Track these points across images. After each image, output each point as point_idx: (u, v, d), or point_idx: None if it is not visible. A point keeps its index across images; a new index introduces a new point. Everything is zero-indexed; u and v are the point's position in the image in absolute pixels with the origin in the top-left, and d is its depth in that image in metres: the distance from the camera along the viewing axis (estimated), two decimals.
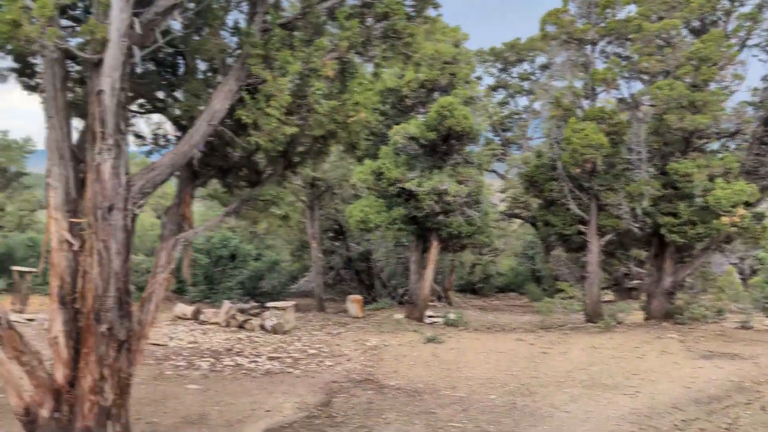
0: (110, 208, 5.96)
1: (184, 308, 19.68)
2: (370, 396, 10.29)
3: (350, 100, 7.23)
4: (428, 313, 19.79)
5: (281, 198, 8.17)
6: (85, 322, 6.03)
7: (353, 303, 21.18)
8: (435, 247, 18.14)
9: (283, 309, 18.36)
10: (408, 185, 16.23)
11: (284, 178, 8.62)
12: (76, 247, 6.08)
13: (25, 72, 7.40)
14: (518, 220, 30.40)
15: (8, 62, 7.40)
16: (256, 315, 18.76)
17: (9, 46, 6.02)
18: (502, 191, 27.54)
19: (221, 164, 8.43)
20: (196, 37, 7.24)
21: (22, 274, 20.98)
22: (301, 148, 8.64)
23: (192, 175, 8.04)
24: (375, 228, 17.21)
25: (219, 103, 6.62)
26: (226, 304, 18.95)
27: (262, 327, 17.92)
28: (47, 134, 6.13)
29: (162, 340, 15.42)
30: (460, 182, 16.26)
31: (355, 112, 7.34)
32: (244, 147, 8.79)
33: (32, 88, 7.23)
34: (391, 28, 7.24)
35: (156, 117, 8.77)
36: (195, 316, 19.27)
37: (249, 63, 6.56)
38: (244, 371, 11.86)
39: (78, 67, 6.95)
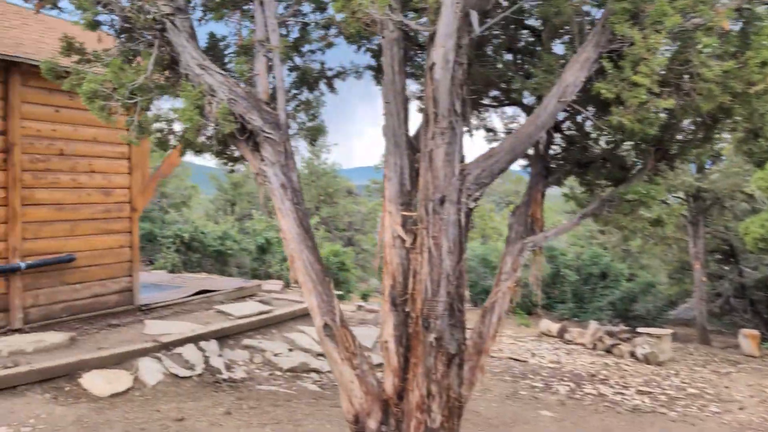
0: (442, 201, 5.08)
1: (550, 325, 18.50)
2: None
3: (754, 59, 5.13)
4: None
5: (652, 197, 6.35)
6: (414, 329, 5.25)
7: (747, 338, 17.34)
8: None
9: (658, 336, 15.79)
10: None
11: (657, 173, 6.78)
12: (408, 244, 5.36)
13: (379, 68, 7.13)
14: None
15: (366, 59, 7.25)
16: (625, 340, 16.56)
17: (354, 32, 5.62)
18: None
19: (579, 158, 7.00)
20: (550, 4, 6.00)
21: None
22: (679, 135, 6.73)
23: (544, 170, 6.79)
24: None
25: (572, 75, 5.25)
26: (593, 325, 17.17)
27: (632, 354, 15.67)
28: (384, 122, 5.57)
29: (523, 356, 14.46)
30: None
31: (761, 77, 5.21)
32: (607, 134, 7.22)
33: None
34: None
35: (510, 110, 7.80)
36: (560, 335, 17.94)
37: (611, 22, 5.05)
38: (607, 403, 10.07)
39: (420, 53, 6.35)
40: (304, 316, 10.89)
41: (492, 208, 34.47)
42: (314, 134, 6.39)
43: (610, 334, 16.87)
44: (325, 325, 5.43)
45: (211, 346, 8.73)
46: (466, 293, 26.86)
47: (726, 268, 22.29)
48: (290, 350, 9.36)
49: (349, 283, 14.96)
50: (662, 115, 5.88)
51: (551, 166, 7.08)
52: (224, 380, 8.20)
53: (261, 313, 10.00)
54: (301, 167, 28.90)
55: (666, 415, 9.78)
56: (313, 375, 9.04)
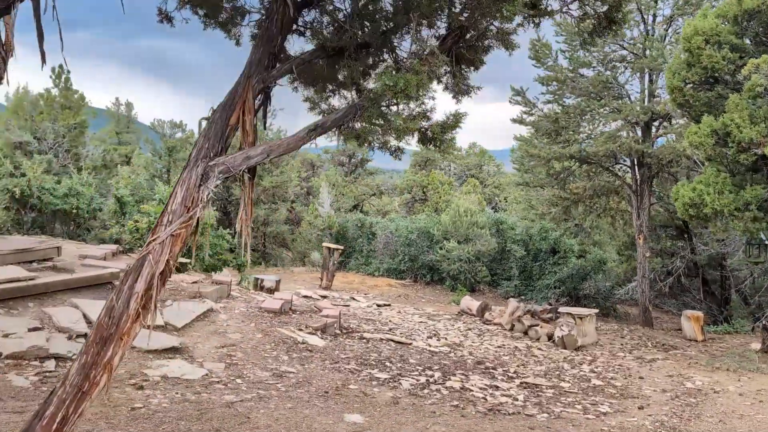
0: None
1: (470, 302, 16.02)
2: None
3: None
4: None
5: (404, 90, 3.80)
6: None
7: (689, 320, 14.83)
8: None
9: (581, 317, 13.33)
10: None
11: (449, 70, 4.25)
12: None
13: None
14: None
15: None
16: (547, 321, 14.08)
17: None
18: None
19: (328, 43, 4.48)
20: None
21: (331, 250, 19.96)
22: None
23: (270, 57, 4.27)
24: (713, 216, 11.03)
25: None
26: (512, 303, 14.66)
27: (550, 337, 13.21)
28: None
29: (416, 337, 12.02)
30: None
31: None
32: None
33: None
34: None
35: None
36: (480, 313, 15.47)
37: None
38: (459, 402, 7.59)
39: None
40: (99, 285, 8.43)
41: (451, 182, 31.84)
42: None
43: (532, 313, 14.37)
44: None
45: None
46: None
47: (680, 244, 19.76)
48: (32, 329, 6.89)
49: (200, 249, 12.47)
50: None
51: (286, 53, 4.60)
52: None
53: (17, 280, 7.55)
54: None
55: (533, 418, 7.29)
56: (47, 364, 6.58)
